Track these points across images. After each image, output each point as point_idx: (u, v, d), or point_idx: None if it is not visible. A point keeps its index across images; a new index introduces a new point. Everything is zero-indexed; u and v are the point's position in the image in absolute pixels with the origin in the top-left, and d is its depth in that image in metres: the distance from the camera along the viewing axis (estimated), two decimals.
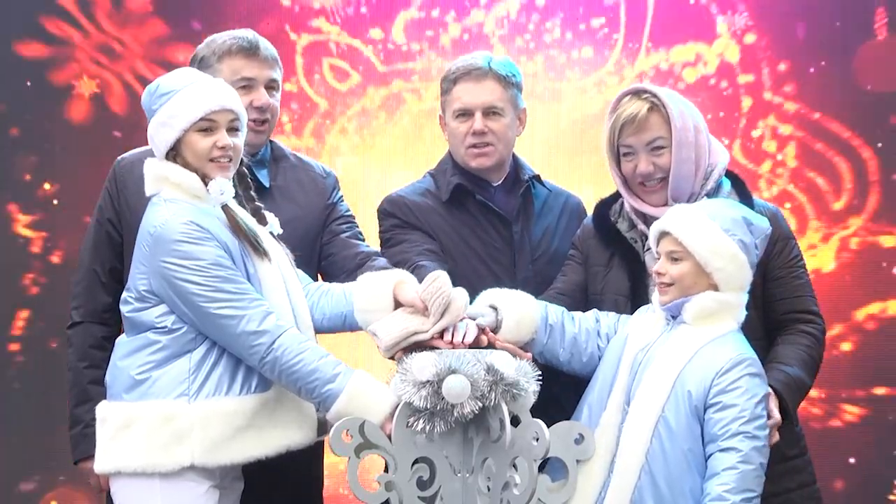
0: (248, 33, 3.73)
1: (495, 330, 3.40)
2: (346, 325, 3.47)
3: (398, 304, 3.36)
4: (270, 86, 3.73)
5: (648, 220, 3.53)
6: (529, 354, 3.41)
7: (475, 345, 3.31)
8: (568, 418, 3.40)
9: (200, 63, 3.68)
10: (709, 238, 3.32)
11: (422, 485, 3.18)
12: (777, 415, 3.32)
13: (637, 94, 3.56)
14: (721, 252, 3.32)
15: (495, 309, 3.43)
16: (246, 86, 3.66)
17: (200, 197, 3.31)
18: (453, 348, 3.26)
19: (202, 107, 3.31)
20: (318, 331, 3.48)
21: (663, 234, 3.38)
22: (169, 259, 3.23)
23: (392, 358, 3.38)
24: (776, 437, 3.32)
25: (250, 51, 3.69)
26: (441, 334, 3.29)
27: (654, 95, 3.54)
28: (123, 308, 3.34)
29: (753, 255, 3.36)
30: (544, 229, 3.84)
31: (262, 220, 3.45)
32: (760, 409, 3.26)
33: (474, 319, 3.35)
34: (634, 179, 3.57)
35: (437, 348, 3.26)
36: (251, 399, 3.28)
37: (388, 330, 3.29)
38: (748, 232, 3.35)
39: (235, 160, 3.37)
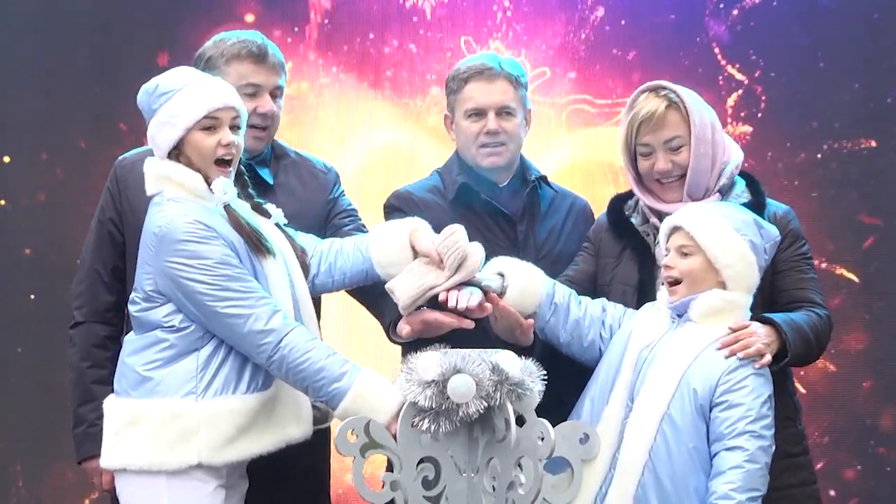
0: (257, 37, 3.70)
1: (500, 295, 3.44)
2: (367, 279, 3.50)
3: (416, 255, 3.40)
4: (274, 93, 3.71)
5: (662, 214, 3.53)
6: (531, 322, 3.45)
7: (479, 311, 3.36)
8: (569, 414, 3.41)
9: (206, 63, 3.64)
10: (720, 235, 3.33)
11: (427, 484, 3.17)
12: (767, 353, 3.30)
13: (655, 90, 3.56)
14: (731, 250, 3.32)
15: (502, 276, 3.46)
16: (252, 92, 3.64)
17: (203, 197, 3.30)
18: (456, 312, 3.33)
19: (205, 105, 3.30)
20: (340, 288, 3.54)
21: (675, 230, 3.39)
22: (175, 259, 3.23)
23: (402, 347, 3.42)
24: (767, 359, 3.31)
25: (259, 57, 3.66)
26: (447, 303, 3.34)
27: (674, 92, 3.53)
28: (131, 308, 3.34)
29: (762, 258, 3.37)
30: (549, 230, 3.83)
31: (265, 214, 3.45)
32: (766, 409, 3.27)
33: (480, 284, 3.38)
34: (651, 177, 3.56)
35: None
36: (255, 397, 3.28)
37: (405, 288, 3.34)
38: (759, 234, 3.36)
39: (236, 158, 3.36)
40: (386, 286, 3.39)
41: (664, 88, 3.55)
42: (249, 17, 5.27)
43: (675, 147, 3.53)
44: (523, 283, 3.46)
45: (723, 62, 5.12)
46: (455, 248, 3.33)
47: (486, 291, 3.40)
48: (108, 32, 5.33)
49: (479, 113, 3.75)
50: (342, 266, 3.48)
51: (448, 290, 3.35)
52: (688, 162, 3.52)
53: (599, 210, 3.81)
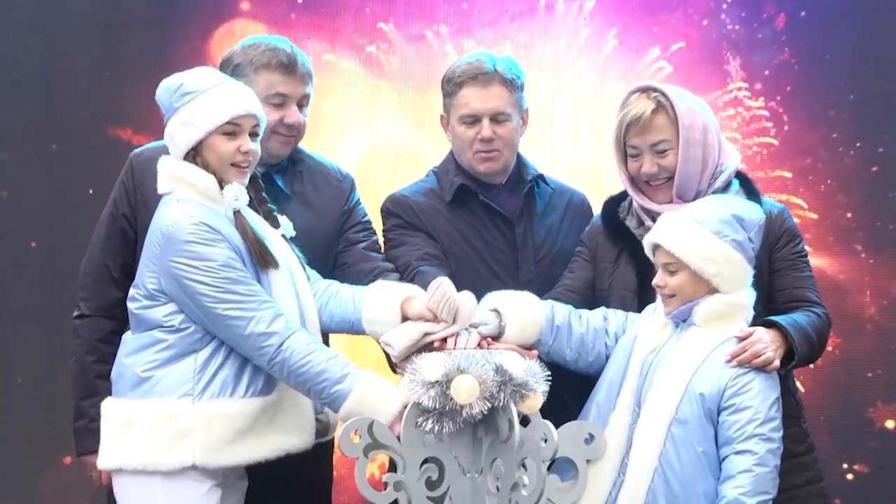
0: (286, 45, 3.67)
1: (499, 335, 3.39)
2: (352, 330, 3.48)
3: (405, 318, 3.35)
4: (301, 102, 3.69)
5: (655, 216, 3.50)
6: (535, 352, 3.40)
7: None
8: (573, 418, 3.39)
9: (235, 69, 3.62)
10: (700, 245, 3.29)
11: (431, 485, 3.17)
12: (775, 359, 3.28)
13: (645, 91, 3.53)
14: (714, 257, 3.29)
15: (498, 314, 3.41)
16: (279, 102, 3.63)
17: (214, 200, 3.30)
18: None
19: (229, 110, 3.30)
20: (323, 331, 3.49)
21: (656, 247, 3.36)
22: (179, 259, 3.22)
23: (396, 371, 3.38)
24: (775, 364, 3.29)
25: (289, 67, 3.63)
26: (443, 341, 3.29)
27: (663, 94, 3.51)
28: (131, 304, 3.34)
29: (749, 249, 3.33)
30: (547, 229, 3.81)
31: (275, 223, 3.44)
32: (774, 411, 3.25)
33: (476, 327, 3.34)
34: (640, 178, 3.55)
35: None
36: (253, 402, 3.27)
37: (400, 336, 3.30)
38: (739, 229, 3.32)
39: (252, 165, 3.36)
40: (381, 339, 3.36)
41: (654, 90, 3.52)
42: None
43: (661, 150, 3.51)
44: (521, 318, 3.41)
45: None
46: (444, 300, 3.28)
47: (483, 336, 3.35)
48: (110, 30, 5.32)
49: (473, 119, 3.71)
50: (332, 309, 3.47)
51: (443, 338, 3.30)
52: (675, 165, 3.49)
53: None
